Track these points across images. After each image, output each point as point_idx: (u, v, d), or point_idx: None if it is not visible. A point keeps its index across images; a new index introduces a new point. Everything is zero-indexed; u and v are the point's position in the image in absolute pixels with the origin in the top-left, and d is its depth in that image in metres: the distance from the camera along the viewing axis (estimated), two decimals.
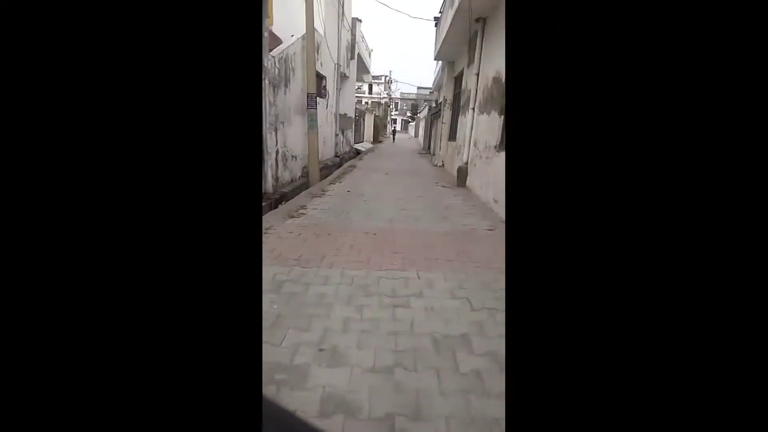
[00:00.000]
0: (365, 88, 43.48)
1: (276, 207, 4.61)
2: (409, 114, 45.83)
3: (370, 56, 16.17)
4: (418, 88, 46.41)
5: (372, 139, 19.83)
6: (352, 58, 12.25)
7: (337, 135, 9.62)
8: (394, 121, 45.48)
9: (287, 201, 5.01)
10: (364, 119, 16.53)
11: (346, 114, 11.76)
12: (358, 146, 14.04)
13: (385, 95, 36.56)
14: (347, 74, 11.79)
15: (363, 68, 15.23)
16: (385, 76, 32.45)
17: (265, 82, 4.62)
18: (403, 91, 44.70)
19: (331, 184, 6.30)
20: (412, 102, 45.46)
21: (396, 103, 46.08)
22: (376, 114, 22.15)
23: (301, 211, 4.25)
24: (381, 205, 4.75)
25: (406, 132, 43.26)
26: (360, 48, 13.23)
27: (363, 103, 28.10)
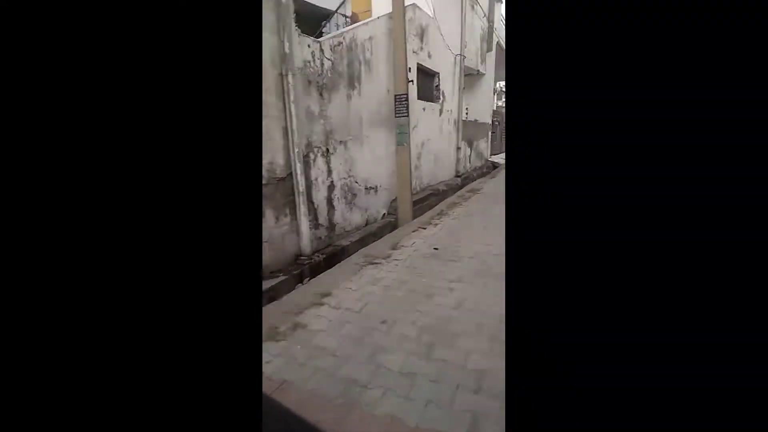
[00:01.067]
0: None
1: (294, 287, 2.67)
2: None
3: None
4: None
5: None
6: (489, 50, 9.58)
7: (459, 149, 7.22)
8: None
9: (333, 266, 3.05)
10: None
11: (476, 120, 9.16)
12: (497, 158, 11.09)
13: None
14: (481, 70, 9.20)
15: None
16: None
17: (289, 83, 2.78)
18: None
19: (421, 228, 4.03)
20: None
21: None
22: None
23: (304, 314, 2.16)
24: (481, 299, 2.21)
25: None
26: (501, 36, 10.38)
27: None
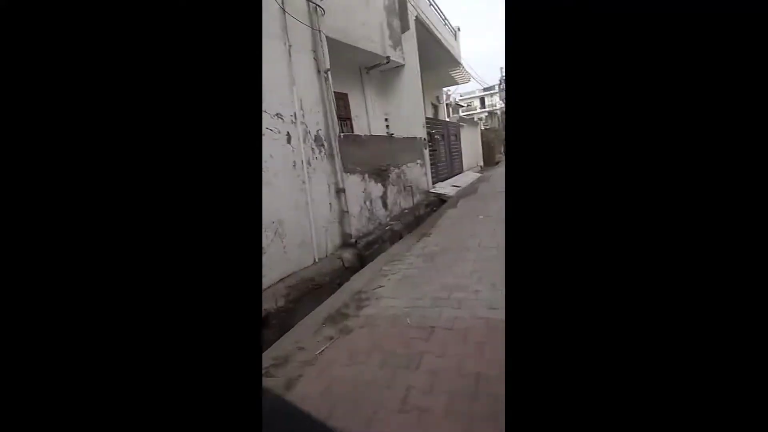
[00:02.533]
0: (476, 103, 36.19)
1: None
2: None
3: (456, 38, 9.74)
4: None
5: (482, 163, 12.78)
6: (404, 28, 6.17)
7: (341, 192, 3.47)
8: None
9: None
10: (458, 137, 9.86)
11: (392, 135, 5.54)
12: (448, 185, 7.48)
13: (502, 104, 28.19)
14: (396, 59, 5.71)
15: (445, 56, 8.87)
16: (501, 80, 23.98)
17: None
18: None
19: None
20: None
21: None
22: (486, 126, 14.98)
23: None
24: None
25: None
26: (424, 15, 7.01)
27: (475, 119, 21.04)
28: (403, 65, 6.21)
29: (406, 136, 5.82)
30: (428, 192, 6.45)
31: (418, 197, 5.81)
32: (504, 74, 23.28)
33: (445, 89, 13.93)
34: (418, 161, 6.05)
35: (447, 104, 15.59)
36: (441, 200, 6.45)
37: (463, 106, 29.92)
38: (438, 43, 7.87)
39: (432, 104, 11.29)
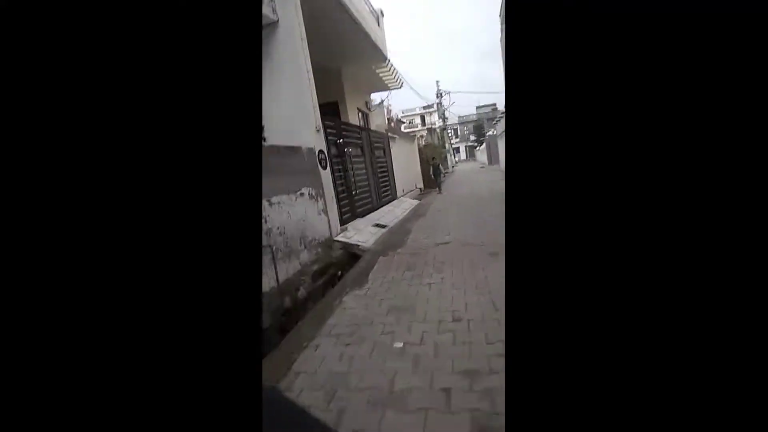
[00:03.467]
0: (417, 120, 35.13)
1: None
2: (472, 137, 35.78)
3: (379, 24, 7.40)
4: (477, 107, 36.72)
5: (422, 186, 10.51)
6: None
7: None
8: (456, 149, 35.77)
9: None
10: (387, 153, 7.32)
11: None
12: (368, 226, 4.86)
13: (440, 122, 26.96)
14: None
15: (365, 43, 6.39)
16: (439, 95, 22.28)
17: None
18: (460, 114, 35.19)
19: None
20: (474, 123, 35.57)
21: (454, 130, 36.56)
22: (426, 142, 12.89)
23: None
24: None
25: (473, 160, 32.81)
26: None
27: (416, 136, 19.10)
28: (275, 22, 3.53)
29: (279, 144, 3.07)
30: (332, 241, 3.71)
31: (302, 258, 3.03)
32: (439, 89, 21.95)
33: (385, 100, 11.63)
34: (306, 189, 3.31)
35: (388, 119, 13.33)
36: (352, 255, 3.74)
37: (404, 123, 28.33)
38: (350, 18, 5.36)
39: (359, 110, 8.78)
